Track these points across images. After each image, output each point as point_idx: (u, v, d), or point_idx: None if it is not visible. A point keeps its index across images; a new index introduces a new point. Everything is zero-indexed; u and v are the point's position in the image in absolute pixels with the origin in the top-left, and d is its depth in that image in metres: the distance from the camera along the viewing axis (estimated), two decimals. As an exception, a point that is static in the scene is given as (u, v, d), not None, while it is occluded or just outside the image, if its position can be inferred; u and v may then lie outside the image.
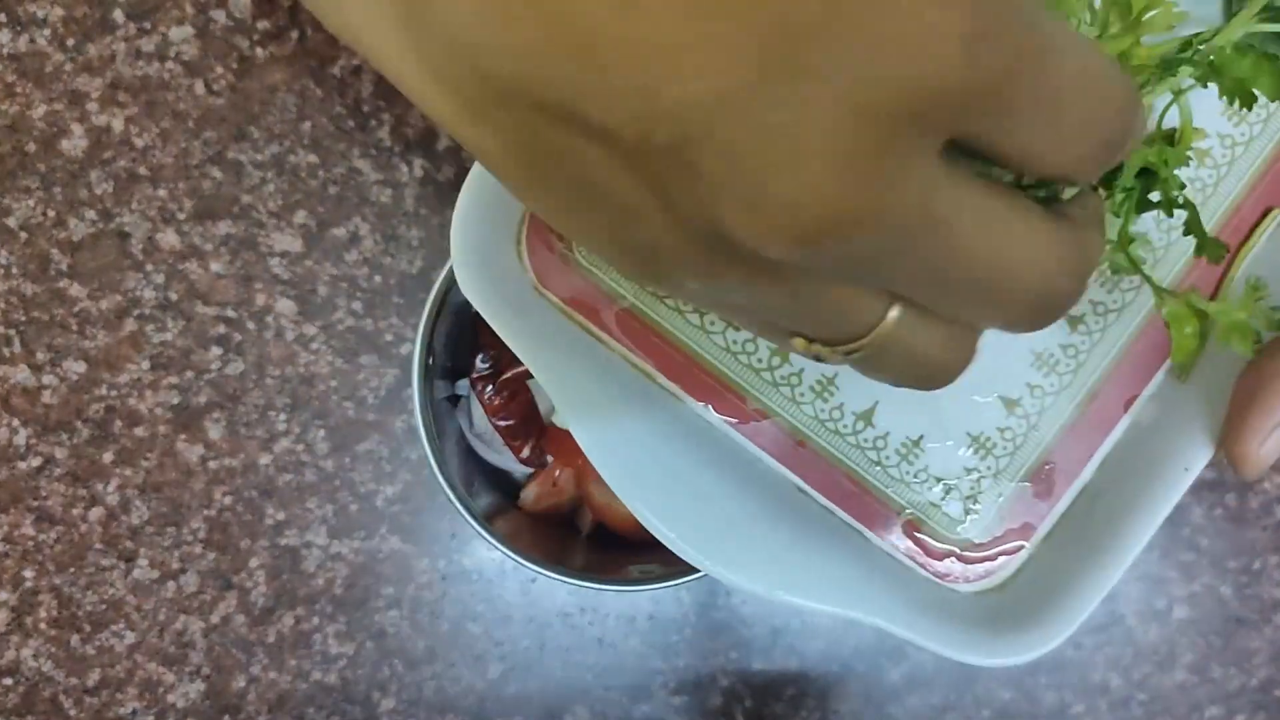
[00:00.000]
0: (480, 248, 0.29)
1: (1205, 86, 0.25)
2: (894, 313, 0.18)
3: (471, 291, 0.28)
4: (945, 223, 0.16)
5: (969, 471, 0.30)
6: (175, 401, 0.44)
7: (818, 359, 0.19)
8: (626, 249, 0.17)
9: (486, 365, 0.39)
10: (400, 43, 0.16)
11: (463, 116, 0.16)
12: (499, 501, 0.40)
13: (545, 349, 0.29)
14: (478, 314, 0.38)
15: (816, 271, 0.16)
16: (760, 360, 0.30)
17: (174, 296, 0.44)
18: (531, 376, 0.36)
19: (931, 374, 0.20)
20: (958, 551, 0.31)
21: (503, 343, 0.37)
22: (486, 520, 0.36)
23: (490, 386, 0.38)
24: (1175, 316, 0.28)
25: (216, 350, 0.44)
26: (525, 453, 0.39)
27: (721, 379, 0.30)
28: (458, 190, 0.45)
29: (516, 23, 0.14)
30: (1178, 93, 0.27)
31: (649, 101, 0.14)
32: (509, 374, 0.39)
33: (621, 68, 0.14)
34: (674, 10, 0.14)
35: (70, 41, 0.43)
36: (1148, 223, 0.30)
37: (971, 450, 0.30)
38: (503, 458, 0.40)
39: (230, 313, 0.44)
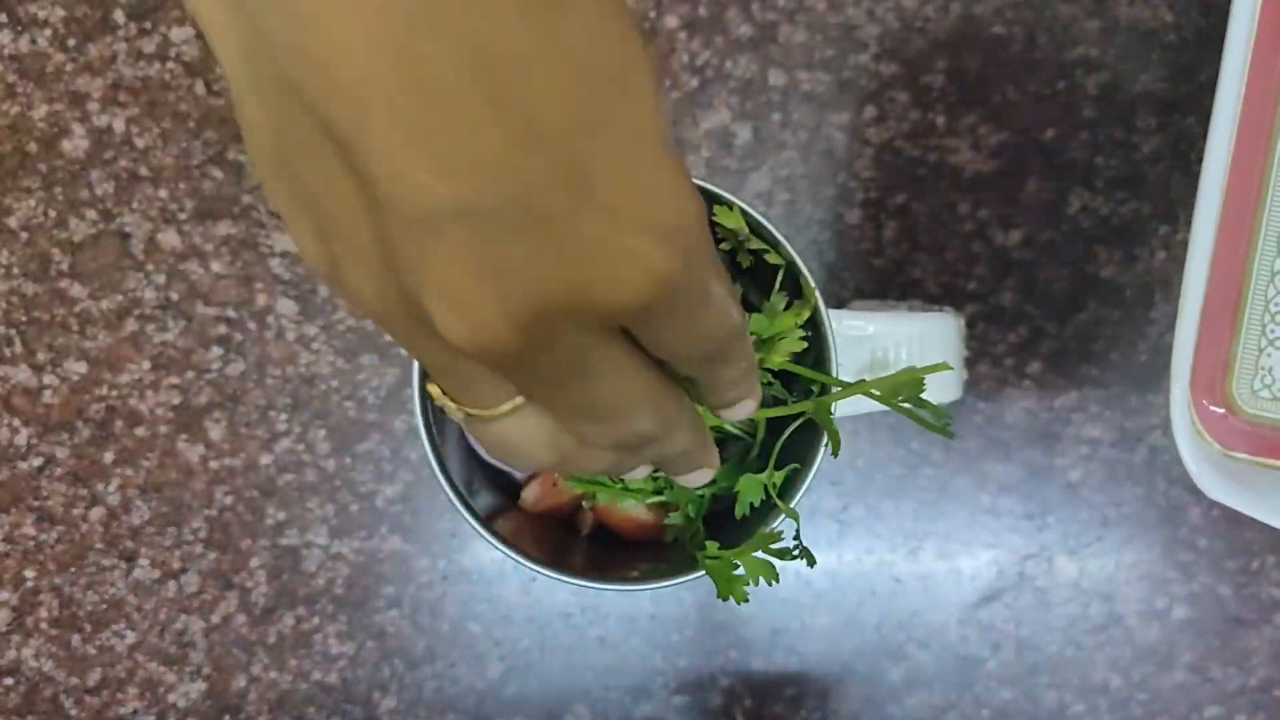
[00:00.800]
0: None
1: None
2: (508, 405, 0.22)
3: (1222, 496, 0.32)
4: (584, 373, 0.20)
5: None
6: (176, 401, 0.44)
7: (441, 410, 0.23)
8: (324, 255, 0.20)
9: None
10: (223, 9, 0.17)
11: (245, 82, 0.18)
12: (499, 501, 0.40)
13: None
14: None
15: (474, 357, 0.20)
16: None
17: (175, 296, 0.44)
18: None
19: (515, 459, 0.24)
20: None
21: None
22: (487, 520, 0.36)
23: None
24: (714, 569, 0.33)
25: (217, 350, 0.44)
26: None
27: None
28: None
29: (327, 41, 0.15)
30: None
31: (406, 186, 0.16)
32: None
33: (396, 147, 0.16)
34: (470, 120, 0.16)
35: (71, 42, 0.43)
36: None
37: None
38: (503, 458, 0.40)
39: (231, 313, 0.44)
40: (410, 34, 0.15)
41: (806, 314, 0.33)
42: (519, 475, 0.41)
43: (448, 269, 0.17)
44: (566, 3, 0.16)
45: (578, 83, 0.16)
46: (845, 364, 0.35)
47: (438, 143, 0.16)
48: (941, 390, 0.36)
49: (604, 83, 0.17)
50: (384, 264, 0.18)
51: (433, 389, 0.23)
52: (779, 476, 0.34)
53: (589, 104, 0.16)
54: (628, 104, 0.17)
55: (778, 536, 0.33)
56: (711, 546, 0.33)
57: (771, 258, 0.33)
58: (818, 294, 0.33)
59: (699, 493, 0.35)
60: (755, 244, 0.33)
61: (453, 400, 0.23)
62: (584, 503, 0.39)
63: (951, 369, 0.31)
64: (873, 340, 0.35)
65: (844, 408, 0.34)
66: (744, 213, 0.33)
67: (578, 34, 0.16)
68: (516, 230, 0.17)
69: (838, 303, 0.44)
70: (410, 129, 0.15)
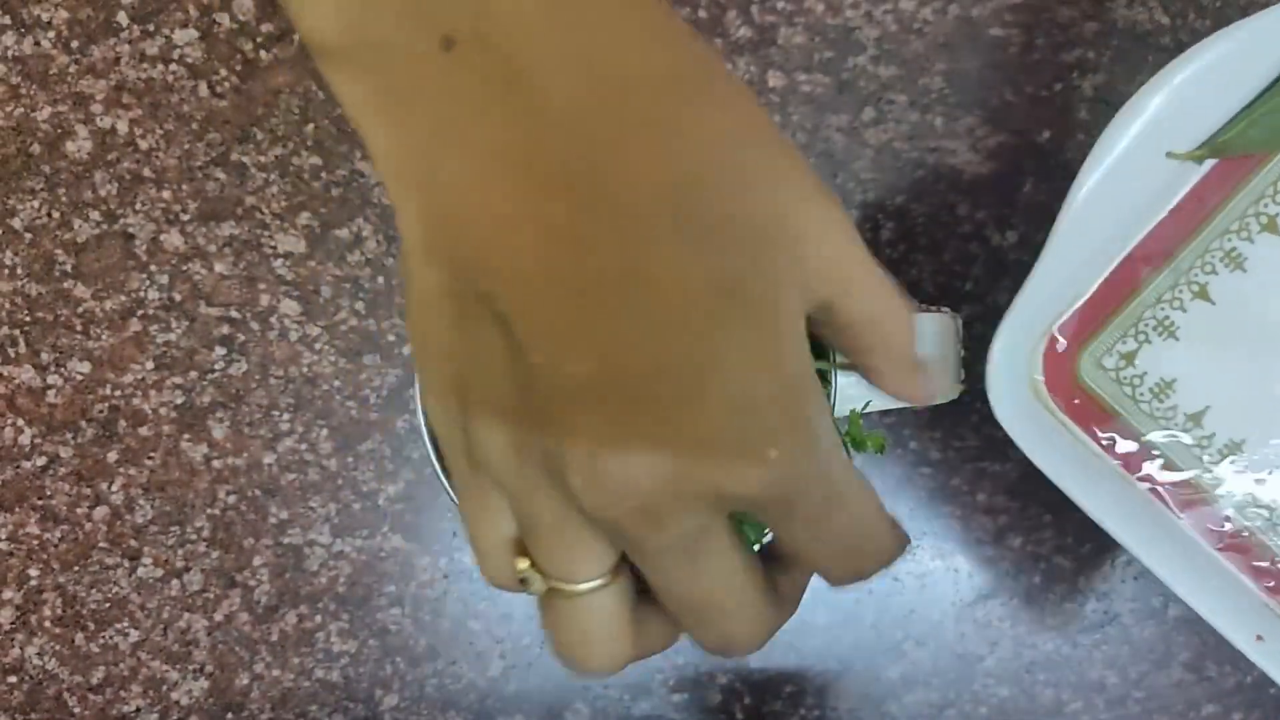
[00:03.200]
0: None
1: None
2: (595, 582, 0.23)
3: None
4: (694, 555, 0.21)
5: None
6: (179, 401, 0.45)
7: (522, 583, 0.23)
8: (455, 406, 0.21)
9: None
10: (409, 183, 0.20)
11: (418, 243, 0.20)
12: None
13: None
14: None
15: (594, 520, 0.21)
16: None
17: (178, 297, 0.44)
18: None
19: (586, 650, 0.24)
20: None
21: None
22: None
23: None
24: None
25: (220, 350, 0.45)
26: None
27: None
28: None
29: (510, 242, 0.18)
30: None
31: (554, 361, 0.19)
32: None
33: (553, 336, 0.19)
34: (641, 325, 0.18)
35: (74, 44, 0.44)
36: None
37: None
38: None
39: (234, 313, 0.44)
40: (571, 243, 0.18)
41: None
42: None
43: (587, 434, 0.19)
44: (703, 224, 0.18)
45: (705, 279, 0.19)
46: (844, 363, 0.35)
47: (586, 330, 0.18)
48: (940, 390, 0.36)
49: (728, 277, 0.19)
50: (522, 420, 0.20)
51: (520, 563, 0.23)
52: None
53: (717, 305, 0.19)
54: (749, 293, 0.19)
55: None
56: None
57: None
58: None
59: None
60: None
61: (540, 571, 0.23)
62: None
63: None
64: None
65: (840, 409, 0.34)
66: None
67: (699, 235, 0.19)
68: (647, 408, 0.19)
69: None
70: (566, 318, 0.18)
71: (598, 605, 0.23)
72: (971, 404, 0.45)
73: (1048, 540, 0.46)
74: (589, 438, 0.19)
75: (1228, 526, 0.34)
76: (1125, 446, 0.34)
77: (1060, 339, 0.34)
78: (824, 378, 0.34)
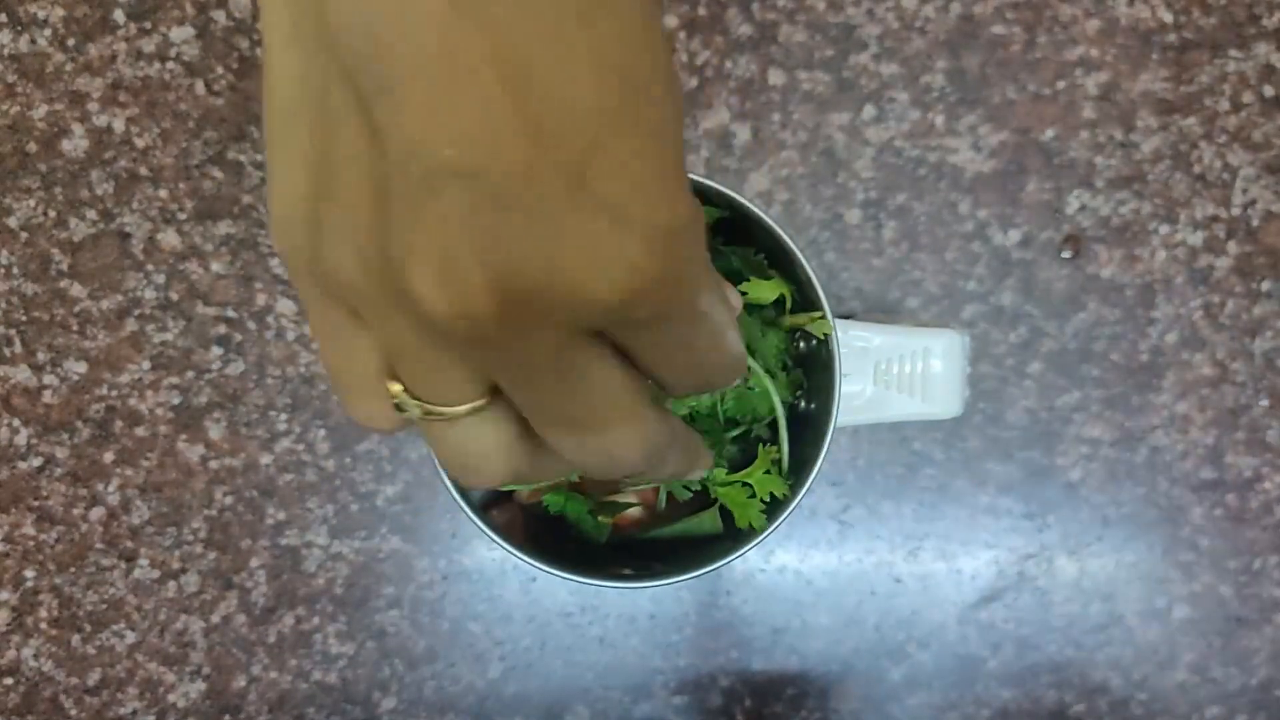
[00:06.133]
0: None
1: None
2: (469, 405, 0.21)
3: None
4: (562, 371, 0.20)
5: None
6: (176, 401, 0.44)
7: (398, 409, 0.22)
8: (308, 216, 0.20)
9: None
10: None
11: (284, 29, 0.19)
12: (500, 500, 0.40)
13: None
14: None
15: (447, 338, 0.20)
16: None
17: (175, 296, 0.44)
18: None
19: (470, 470, 0.23)
20: None
21: None
22: (483, 513, 0.36)
23: None
24: (728, 496, 0.34)
25: (217, 350, 0.44)
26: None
27: None
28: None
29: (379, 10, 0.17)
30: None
31: (419, 144, 0.17)
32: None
33: (419, 118, 0.17)
34: (481, 96, 0.17)
35: (71, 42, 0.43)
36: None
37: None
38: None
39: (231, 313, 0.44)
40: (454, 14, 0.16)
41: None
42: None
43: (439, 230, 0.18)
44: (603, 9, 0.17)
45: (598, 84, 0.17)
46: (850, 373, 0.35)
47: (455, 111, 0.17)
48: (944, 407, 0.36)
49: (624, 88, 0.18)
50: (373, 227, 0.19)
51: (393, 387, 0.22)
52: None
53: (605, 105, 0.17)
54: (643, 110, 0.18)
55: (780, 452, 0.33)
56: (720, 473, 0.33)
57: (796, 322, 0.34)
58: (826, 306, 0.33)
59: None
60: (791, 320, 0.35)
61: (412, 396, 0.22)
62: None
63: None
64: (877, 352, 0.36)
65: (843, 418, 0.34)
66: (758, 222, 0.33)
67: (608, 39, 0.17)
68: (511, 205, 0.17)
69: (836, 301, 0.44)
70: (435, 95, 0.17)
71: (476, 429, 0.22)
72: (974, 404, 0.45)
73: (1051, 542, 0.46)
74: (443, 231, 0.17)
75: None
76: None
77: None
78: (828, 385, 0.34)
